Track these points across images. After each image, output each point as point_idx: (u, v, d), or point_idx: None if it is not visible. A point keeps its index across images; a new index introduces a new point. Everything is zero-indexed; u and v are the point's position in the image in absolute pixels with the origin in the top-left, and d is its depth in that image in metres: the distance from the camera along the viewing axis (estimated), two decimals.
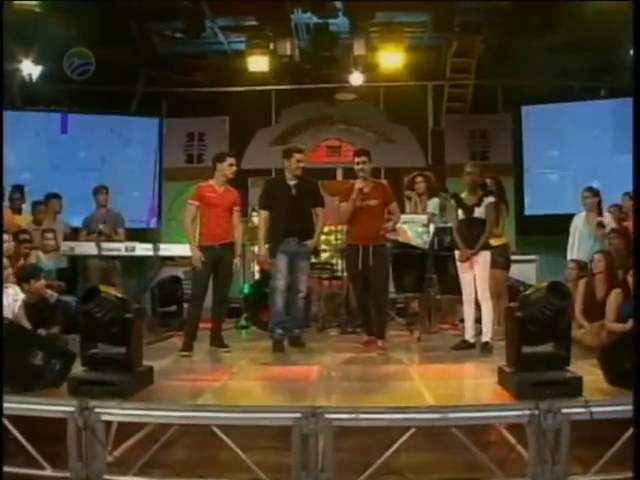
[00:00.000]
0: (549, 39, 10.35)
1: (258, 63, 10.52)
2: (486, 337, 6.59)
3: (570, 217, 8.41)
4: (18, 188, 8.93)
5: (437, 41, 11.04)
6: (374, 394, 4.90)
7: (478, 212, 6.70)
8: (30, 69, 10.23)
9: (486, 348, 6.52)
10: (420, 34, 10.81)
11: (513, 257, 8.08)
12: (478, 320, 6.76)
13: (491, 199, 6.73)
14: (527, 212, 10.56)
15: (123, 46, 10.40)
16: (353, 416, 4.28)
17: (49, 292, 6.76)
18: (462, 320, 7.75)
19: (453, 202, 6.93)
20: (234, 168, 6.98)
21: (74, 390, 4.64)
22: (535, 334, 4.70)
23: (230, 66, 11.07)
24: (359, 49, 10.13)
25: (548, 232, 10.09)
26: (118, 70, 10.71)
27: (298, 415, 4.18)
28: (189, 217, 6.91)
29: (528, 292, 4.91)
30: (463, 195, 6.86)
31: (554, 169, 10.62)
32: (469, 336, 6.79)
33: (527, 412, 4.27)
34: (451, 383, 5.28)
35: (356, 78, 10.98)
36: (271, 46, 10.35)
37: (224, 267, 6.88)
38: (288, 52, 10.09)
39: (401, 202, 8.41)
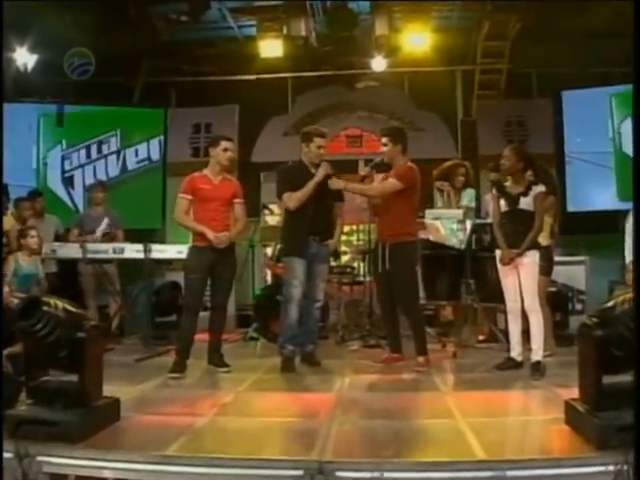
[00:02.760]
0: (588, 22, 9.04)
1: (271, 48, 9.27)
2: (537, 355, 5.24)
3: (618, 214, 7.17)
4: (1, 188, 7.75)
5: (467, 22, 9.70)
6: (403, 439, 3.55)
7: (524, 203, 5.36)
8: (24, 58, 9.12)
9: (537, 369, 5.17)
10: (448, 13, 9.48)
11: (558, 258, 6.73)
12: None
13: (541, 188, 5.37)
14: (570, 209, 9.12)
15: (123, 33, 9.28)
16: (375, 475, 3.04)
17: (15, 302, 5.51)
18: (503, 331, 6.53)
19: (494, 191, 5.59)
20: (230, 154, 5.71)
21: (13, 432, 3.47)
22: (620, 360, 3.41)
23: (241, 52, 9.81)
24: (381, 29, 8.80)
25: (593, 230, 8.82)
26: (118, 59, 9.53)
27: (300, 473, 3.05)
28: (181, 212, 5.66)
29: (610, 304, 3.56)
30: (507, 183, 5.53)
31: (599, 160, 9.18)
32: (515, 353, 5.45)
33: (612, 467, 3.07)
34: (502, 421, 3.94)
35: (378, 63, 9.66)
36: (284, 29, 9.11)
37: (223, 272, 5.63)
38: (303, 33, 8.80)
39: (430, 195, 7.16)
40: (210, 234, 5.50)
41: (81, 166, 9.57)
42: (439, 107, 10.27)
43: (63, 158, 9.54)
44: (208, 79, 9.94)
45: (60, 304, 3.65)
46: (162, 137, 9.62)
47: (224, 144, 5.68)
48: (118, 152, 9.65)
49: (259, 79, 9.64)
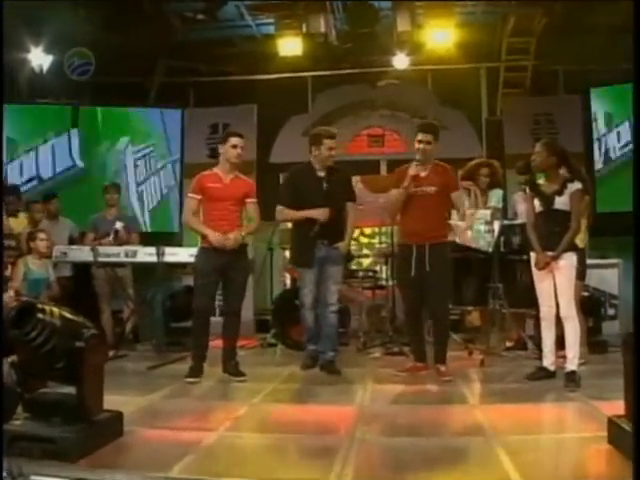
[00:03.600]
0: (616, 17, 8.62)
1: (290, 46, 8.92)
2: (572, 365, 4.86)
3: None
4: (13, 189, 7.52)
5: (491, 17, 9.31)
6: (430, 459, 3.19)
7: (560, 203, 4.97)
8: (39, 59, 8.89)
9: (573, 379, 4.79)
10: (472, 9, 9.10)
11: (590, 261, 6.33)
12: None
13: (577, 185, 4.98)
14: (599, 209, 8.69)
15: (138, 32, 9.02)
16: None
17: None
18: (532, 338, 6.16)
19: (528, 191, 5.21)
20: (239, 150, 5.39)
21: (8, 448, 3.17)
22: None
23: (260, 51, 9.50)
24: (403, 24, 8.43)
25: (624, 232, 8.34)
26: (134, 59, 9.27)
27: None
28: (189, 213, 5.37)
29: None
30: (541, 181, 5.15)
31: (630, 158, 8.75)
32: (549, 363, 5.06)
33: None
34: (538, 439, 3.54)
35: (400, 61, 9.29)
36: (303, 27, 8.78)
37: (235, 275, 5.31)
38: (322, 29, 8.46)
39: None
40: (211, 235, 5.20)
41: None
42: (463, 105, 9.85)
43: None
44: (226, 79, 9.66)
45: (57, 311, 3.34)
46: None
47: (233, 140, 5.37)
48: None
49: (278, 78, 9.32)
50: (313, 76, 9.72)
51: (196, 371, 5.26)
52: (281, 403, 4.63)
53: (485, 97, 10.10)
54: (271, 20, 9.24)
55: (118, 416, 3.59)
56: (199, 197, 5.34)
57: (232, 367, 5.35)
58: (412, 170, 5.29)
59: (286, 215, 5.64)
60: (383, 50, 9.23)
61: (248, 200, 5.44)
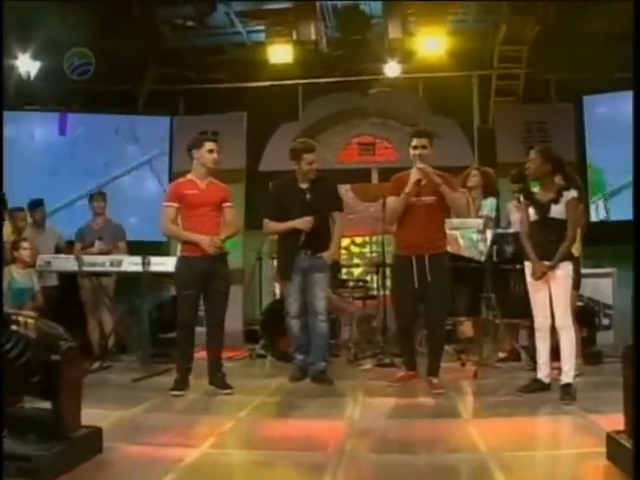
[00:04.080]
0: (608, 25, 8.56)
1: (280, 53, 8.81)
2: (567, 377, 4.72)
3: None
4: None
5: (483, 25, 9.23)
6: (422, 477, 3.05)
7: (556, 211, 4.85)
8: (27, 65, 8.75)
9: (568, 392, 4.65)
10: (464, 16, 9.01)
11: (584, 270, 6.21)
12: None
13: (573, 193, 4.86)
14: (592, 217, 8.59)
15: (128, 39, 8.91)
16: None
17: None
18: (525, 348, 6.04)
19: (523, 199, 5.09)
20: (215, 155, 5.28)
21: None
22: None
23: (250, 59, 9.39)
24: (394, 31, 8.32)
25: (618, 241, 8.28)
26: (124, 66, 9.17)
27: None
28: (167, 221, 5.23)
29: None
30: (535, 189, 5.03)
31: (621, 167, 8.66)
32: (543, 375, 4.93)
33: None
34: (534, 456, 3.41)
35: (392, 68, 9.19)
36: (294, 34, 8.68)
37: (217, 285, 5.19)
38: (313, 36, 8.35)
39: None
40: (202, 240, 5.06)
41: None
42: (455, 113, 9.74)
43: None
44: (216, 86, 9.55)
45: (32, 322, 3.19)
46: None
47: (209, 145, 5.27)
48: None
49: (268, 86, 9.20)
50: (304, 84, 9.59)
51: (181, 384, 5.11)
52: (268, 417, 4.48)
53: (477, 105, 9.99)
54: (261, 27, 9.13)
55: (97, 432, 3.43)
56: (176, 205, 5.21)
57: (218, 379, 5.19)
58: (415, 175, 5.15)
59: (271, 228, 5.57)
60: (374, 58, 9.13)
61: (225, 205, 5.32)
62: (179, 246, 5.50)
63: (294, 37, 8.68)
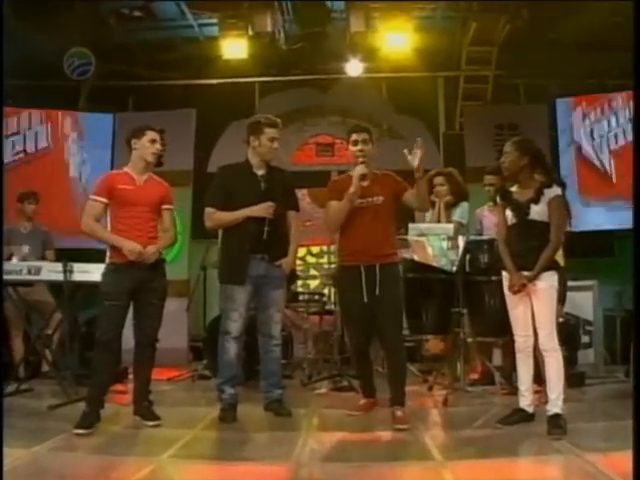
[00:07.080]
0: (582, 27, 8.01)
1: (234, 48, 8.10)
2: (555, 407, 3.93)
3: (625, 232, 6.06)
4: None
5: (451, 22, 8.60)
6: None
7: (536, 212, 4.09)
8: None
9: (557, 424, 3.85)
10: (431, 12, 8.36)
11: None
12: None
13: (556, 190, 4.10)
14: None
15: (72, 31, 8.15)
16: None
17: None
18: (499, 368, 5.29)
19: (499, 200, 4.33)
20: (158, 147, 4.40)
21: None
22: None
23: (203, 55, 8.66)
24: (357, 25, 7.61)
25: (595, 253, 7.92)
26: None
27: None
28: (90, 218, 4.31)
29: None
30: (513, 189, 4.28)
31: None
32: (526, 403, 4.13)
33: None
34: None
35: (353, 67, 8.47)
36: (249, 29, 7.92)
37: (150, 297, 4.28)
38: (269, 28, 7.60)
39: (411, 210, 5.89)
40: (127, 245, 4.18)
41: None
42: (421, 113, 9.11)
43: None
44: (166, 83, 8.78)
45: None
46: None
47: (151, 134, 4.36)
48: None
49: (222, 83, 8.43)
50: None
51: (89, 419, 4.07)
52: (197, 459, 3.56)
53: (443, 109, 9.36)
54: (214, 20, 8.38)
55: None
56: (105, 201, 4.29)
57: (144, 408, 4.28)
58: (360, 169, 4.37)
59: (220, 219, 4.55)
60: (335, 54, 8.40)
61: (164, 207, 4.42)
62: (107, 251, 4.60)
63: (250, 32, 7.96)
